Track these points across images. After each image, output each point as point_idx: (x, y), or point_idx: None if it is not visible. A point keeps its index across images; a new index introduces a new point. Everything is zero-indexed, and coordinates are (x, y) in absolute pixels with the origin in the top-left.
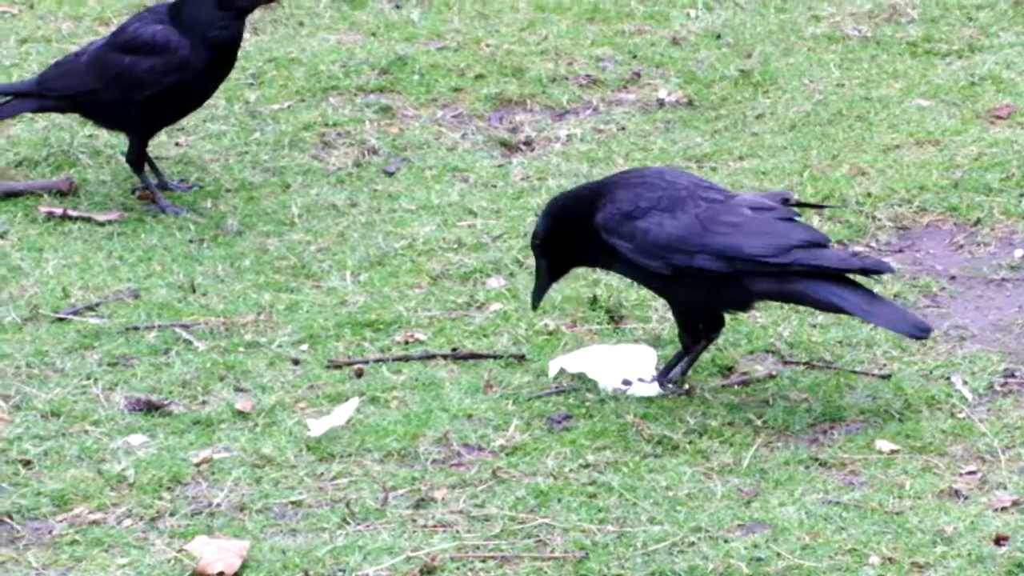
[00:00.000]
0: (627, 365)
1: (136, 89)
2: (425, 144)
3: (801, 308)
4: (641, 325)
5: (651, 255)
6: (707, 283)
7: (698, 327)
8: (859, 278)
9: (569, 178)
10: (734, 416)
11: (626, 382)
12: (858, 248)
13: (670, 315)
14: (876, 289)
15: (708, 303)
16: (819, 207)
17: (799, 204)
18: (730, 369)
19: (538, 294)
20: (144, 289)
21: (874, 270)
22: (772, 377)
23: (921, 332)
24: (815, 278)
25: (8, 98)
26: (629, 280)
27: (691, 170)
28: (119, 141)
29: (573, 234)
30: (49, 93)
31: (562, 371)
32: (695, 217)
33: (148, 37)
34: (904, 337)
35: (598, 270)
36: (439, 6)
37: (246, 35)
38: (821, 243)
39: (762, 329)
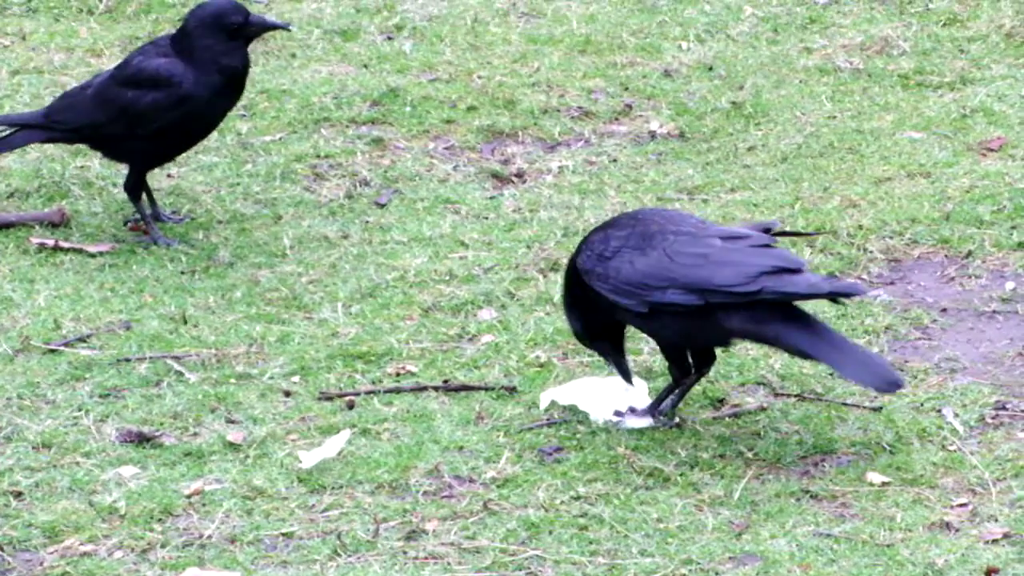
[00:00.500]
0: (618, 397)
1: (140, 124)
2: (417, 176)
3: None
4: (632, 357)
5: (625, 294)
6: (682, 320)
7: (686, 360)
8: (838, 324)
9: (561, 210)
10: (725, 448)
11: (618, 414)
12: (849, 280)
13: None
14: (867, 320)
15: (686, 340)
16: (804, 235)
17: (784, 233)
18: (721, 401)
19: (622, 370)
20: (136, 320)
21: (843, 293)
22: (763, 409)
23: (890, 386)
24: (788, 321)
25: (14, 129)
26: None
27: (682, 202)
28: (111, 173)
29: (584, 299)
30: (56, 125)
31: (553, 403)
32: (663, 251)
33: (152, 71)
34: (873, 391)
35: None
36: (431, 38)
37: None
38: (793, 268)
39: (753, 361)
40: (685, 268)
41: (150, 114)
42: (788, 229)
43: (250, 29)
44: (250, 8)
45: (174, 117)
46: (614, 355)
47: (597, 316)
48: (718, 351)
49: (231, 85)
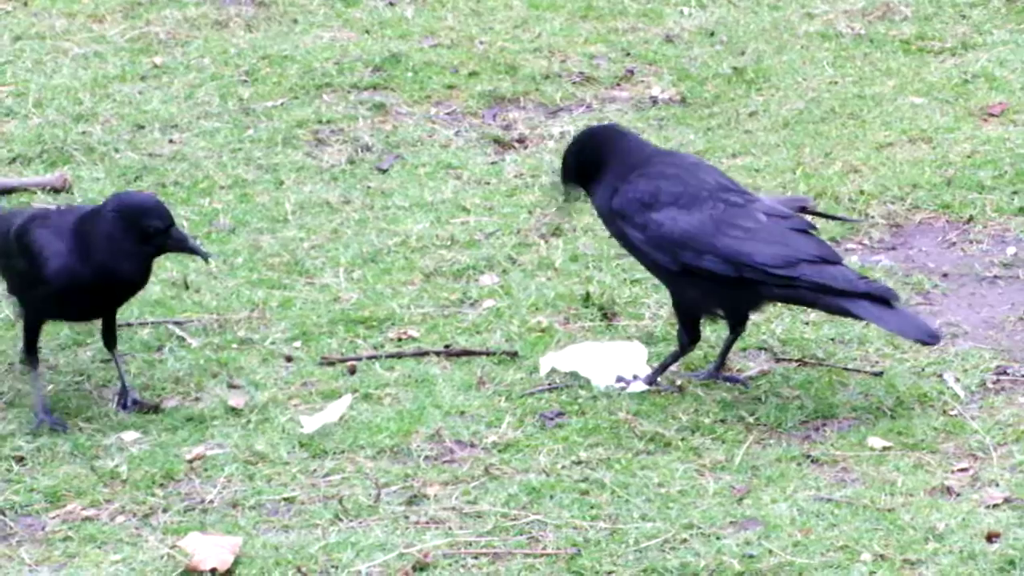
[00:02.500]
0: (619, 362)
1: (26, 285)
2: (418, 141)
3: (794, 306)
4: (634, 322)
5: (662, 248)
6: (714, 283)
7: (698, 325)
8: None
9: None
10: (726, 413)
11: (620, 379)
12: (850, 245)
13: (663, 312)
14: None
15: (714, 302)
16: (836, 218)
17: (816, 213)
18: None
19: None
20: None
21: (879, 296)
22: (765, 374)
23: (930, 338)
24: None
25: None
26: (623, 277)
27: None
28: (112, 139)
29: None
30: None
31: (554, 370)
32: (709, 217)
33: (34, 240)
34: (912, 341)
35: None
36: (433, 3)
37: (240, 32)
38: (831, 260)
39: (755, 326)
40: (728, 239)
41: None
42: (819, 210)
43: (167, 242)
44: None
45: (41, 292)
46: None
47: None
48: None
49: (110, 289)
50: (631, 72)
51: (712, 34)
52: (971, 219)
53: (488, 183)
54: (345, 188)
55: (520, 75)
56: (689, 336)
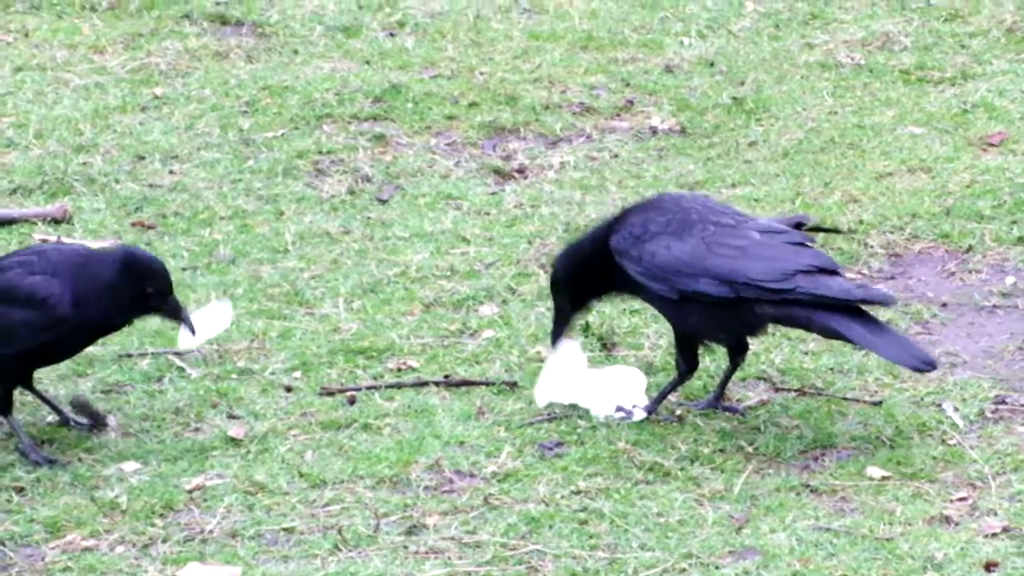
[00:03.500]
0: (617, 391)
1: (7, 340)
2: (418, 172)
3: (793, 334)
4: (634, 352)
5: (657, 278)
6: (713, 308)
7: (696, 355)
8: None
9: (562, 205)
10: (725, 443)
11: (620, 410)
12: (850, 275)
13: (662, 342)
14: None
15: (714, 328)
16: (834, 231)
17: (814, 228)
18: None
19: (557, 333)
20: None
21: (876, 301)
22: (764, 404)
23: (925, 365)
24: (820, 305)
25: None
26: (623, 307)
27: None
28: (113, 169)
29: (592, 263)
30: None
31: (551, 403)
32: (701, 240)
33: (26, 289)
34: (908, 369)
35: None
36: (433, 34)
37: (241, 63)
38: (828, 269)
39: (754, 356)
40: (721, 259)
41: (21, 333)
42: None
43: (163, 307)
44: (255, 4)
45: (46, 339)
46: (566, 316)
47: (589, 288)
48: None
49: (93, 334)
50: (631, 102)
51: (712, 64)
52: (970, 249)
53: (488, 213)
54: (345, 218)
55: (520, 105)
56: (688, 364)
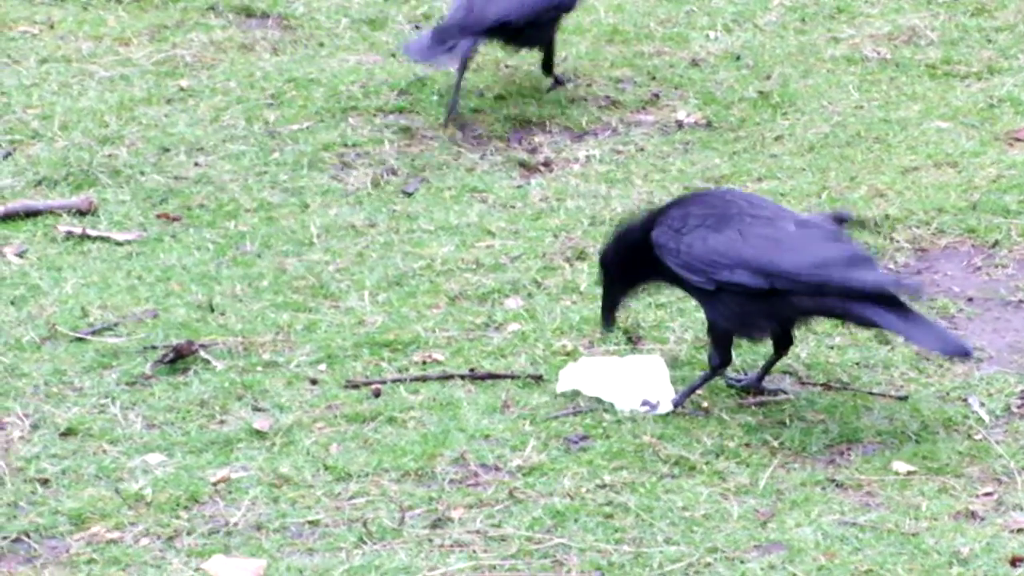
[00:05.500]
0: (641, 381)
1: None
2: (444, 165)
3: (819, 329)
4: (659, 346)
5: (694, 269)
6: (749, 299)
7: (730, 349)
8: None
9: (588, 199)
10: (751, 437)
11: (646, 403)
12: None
13: (688, 336)
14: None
15: (752, 319)
16: (873, 228)
17: (858, 223)
18: (747, 390)
19: (606, 313)
20: (163, 309)
21: (909, 291)
22: (789, 398)
23: (960, 351)
24: (855, 296)
25: None
26: (648, 301)
27: None
28: (138, 161)
29: (637, 252)
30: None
31: (575, 392)
32: (737, 232)
33: None
34: (942, 357)
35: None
36: None
37: (266, 55)
38: (863, 260)
39: None
40: (756, 250)
41: None
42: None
43: None
44: None
45: None
46: (614, 300)
47: (633, 275)
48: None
49: None
50: (657, 96)
51: (738, 58)
52: (996, 243)
53: (513, 207)
54: (370, 211)
55: (546, 99)
56: (721, 358)
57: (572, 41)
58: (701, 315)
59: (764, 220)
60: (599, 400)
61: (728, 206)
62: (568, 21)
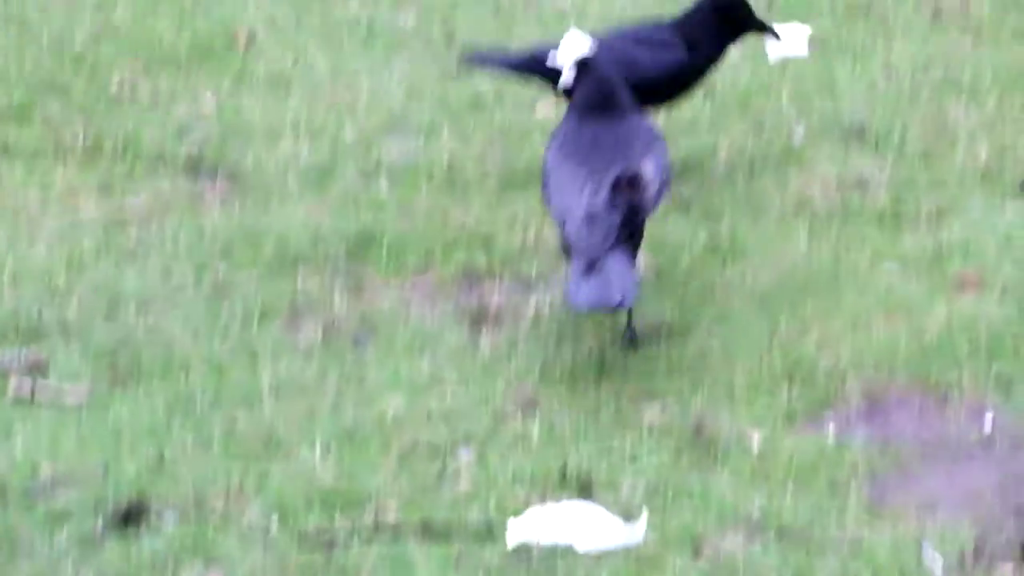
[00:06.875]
0: (589, 523)
1: None
2: (394, 317)
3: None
4: (612, 495)
5: None
6: None
7: None
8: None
9: (538, 350)
10: None
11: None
12: (827, 418)
13: (640, 486)
14: (846, 455)
15: None
16: None
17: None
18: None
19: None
20: (114, 465)
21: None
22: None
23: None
24: None
25: None
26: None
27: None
28: (88, 316)
29: None
30: None
31: (525, 544)
32: None
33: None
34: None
35: None
36: (407, 182)
37: (215, 208)
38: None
39: (733, 497)
40: None
41: None
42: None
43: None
44: (229, 149)
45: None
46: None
47: None
48: (699, 488)
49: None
50: None
51: (687, 206)
52: (948, 391)
53: (464, 358)
54: (321, 363)
55: (495, 249)
56: None
57: (520, 192)
58: (655, 462)
59: None
60: (554, 548)
61: None
62: (515, 176)
